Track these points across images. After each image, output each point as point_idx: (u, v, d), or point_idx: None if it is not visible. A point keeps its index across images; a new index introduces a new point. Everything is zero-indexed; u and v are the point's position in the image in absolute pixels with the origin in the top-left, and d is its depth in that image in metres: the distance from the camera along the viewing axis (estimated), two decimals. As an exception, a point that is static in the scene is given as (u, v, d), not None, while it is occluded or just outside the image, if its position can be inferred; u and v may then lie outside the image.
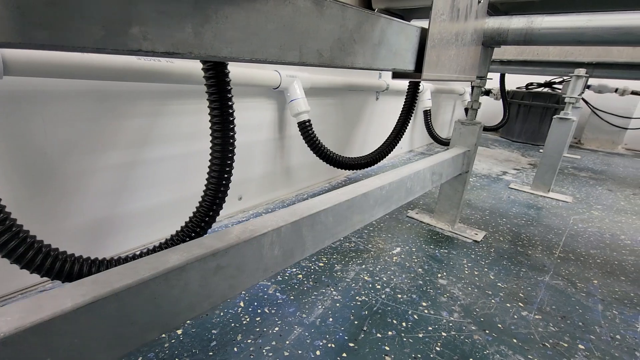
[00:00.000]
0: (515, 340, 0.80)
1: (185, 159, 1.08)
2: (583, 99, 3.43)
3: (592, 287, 1.04)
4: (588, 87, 3.14)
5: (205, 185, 0.83)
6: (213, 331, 0.75)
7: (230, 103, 0.78)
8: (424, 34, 0.68)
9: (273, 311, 0.82)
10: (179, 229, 0.85)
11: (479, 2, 0.87)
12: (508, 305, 0.92)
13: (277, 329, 0.77)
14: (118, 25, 0.28)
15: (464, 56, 0.91)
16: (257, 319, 0.79)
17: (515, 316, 0.88)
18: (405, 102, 1.46)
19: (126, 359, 0.66)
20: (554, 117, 1.81)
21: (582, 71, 1.71)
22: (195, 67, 0.91)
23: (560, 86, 3.50)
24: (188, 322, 0.77)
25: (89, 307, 0.33)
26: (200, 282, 0.43)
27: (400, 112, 1.50)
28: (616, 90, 3.11)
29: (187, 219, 0.84)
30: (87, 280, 0.36)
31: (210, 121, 0.79)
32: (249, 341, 0.73)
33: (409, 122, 1.51)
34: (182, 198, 1.11)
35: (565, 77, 3.60)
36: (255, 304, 0.85)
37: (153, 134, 0.98)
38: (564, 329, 0.85)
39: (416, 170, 0.92)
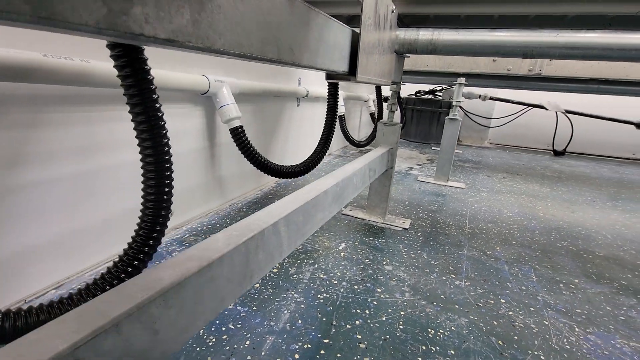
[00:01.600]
0: (457, 306, 0.92)
1: (78, 180, 0.86)
2: (458, 104, 4.14)
3: (497, 253, 1.28)
4: (461, 93, 3.82)
5: (142, 204, 0.68)
6: (175, 363, 0.66)
7: (156, 104, 0.59)
8: (355, 37, 0.75)
9: (239, 326, 0.77)
10: (111, 265, 0.67)
11: (392, 11, 0.99)
12: (444, 278, 1.06)
13: (248, 342, 0.72)
14: (120, 3, 0.25)
15: (383, 62, 1.02)
16: (224, 337, 0.73)
17: (452, 286, 1.02)
18: (328, 107, 1.53)
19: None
20: (446, 118, 2.16)
21: (462, 80, 2.08)
22: (85, 66, 0.75)
23: (440, 93, 4.17)
24: (141, 359, 0.66)
25: (90, 345, 0.26)
26: (195, 298, 0.39)
27: (325, 118, 1.56)
28: (480, 96, 3.86)
29: (123, 251, 0.68)
30: (70, 314, 0.29)
31: (135, 129, 0.59)
32: (220, 363, 0.67)
33: (334, 126, 1.59)
34: (75, 229, 0.88)
35: (444, 86, 4.31)
36: (217, 322, 0.78)
37: (29, 151, 0.75)
38: (488, 289, 1.02)
39: (359, 167, 0.98)
